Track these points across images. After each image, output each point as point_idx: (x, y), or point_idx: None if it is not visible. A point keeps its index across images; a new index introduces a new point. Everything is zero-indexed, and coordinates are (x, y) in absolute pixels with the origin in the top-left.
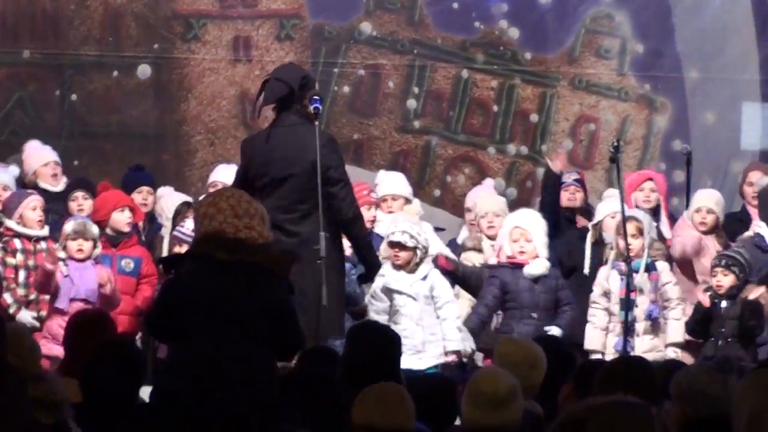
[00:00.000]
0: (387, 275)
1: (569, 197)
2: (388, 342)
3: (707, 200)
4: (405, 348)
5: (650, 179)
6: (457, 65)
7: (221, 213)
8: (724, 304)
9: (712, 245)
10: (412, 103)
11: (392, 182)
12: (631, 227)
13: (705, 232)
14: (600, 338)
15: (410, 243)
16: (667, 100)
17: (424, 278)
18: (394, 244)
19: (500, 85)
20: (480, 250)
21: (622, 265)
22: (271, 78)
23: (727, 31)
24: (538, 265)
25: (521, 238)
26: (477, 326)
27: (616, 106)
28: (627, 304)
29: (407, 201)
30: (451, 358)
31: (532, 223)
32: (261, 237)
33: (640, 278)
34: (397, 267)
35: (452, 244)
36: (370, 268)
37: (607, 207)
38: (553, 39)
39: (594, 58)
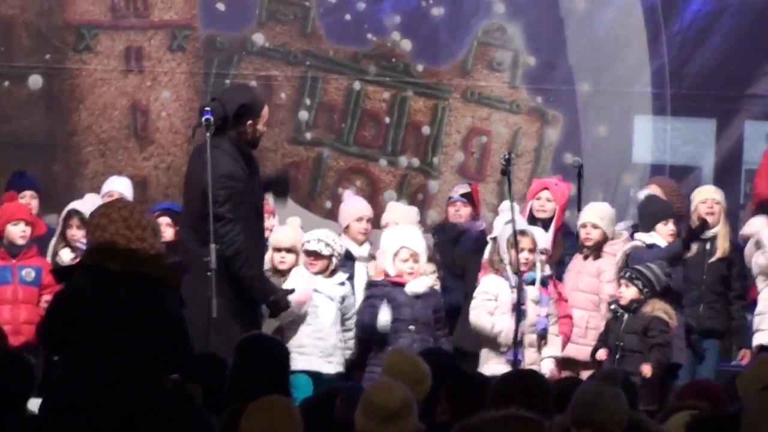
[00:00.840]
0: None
1: (454, 213)
2: (277, 354)
3: (592, 215)
4: (316, 350)
5: (546, 188)
6: (349, 77)
7: (113, 224)
8: (624, 317)
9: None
10: (303, 115)
11: None
12: (527, 241)
13: (589, 247)
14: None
15: (326, 251)
16: (558, 113)
17: (341, 284)
18: (309, 253)
19: (392, 97)
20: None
21: (512, 278)
22: (216, 96)
23: (619, 44)
24: (420, 284)
25: (410, 259)
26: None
27: (508, 119)
28: (518, 316)
29: None
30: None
31: (419, 243)
32: (153, 248)
33: (533, 292)
34: (315, 273)
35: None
36: (267, 305)
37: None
38: (445, 51)
39: (486, 71)
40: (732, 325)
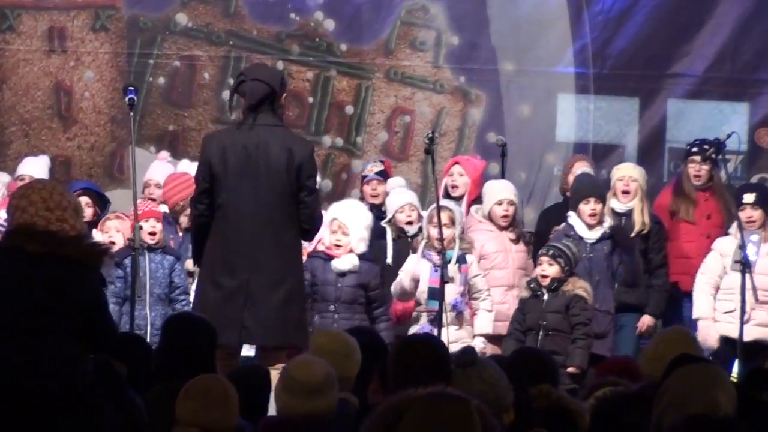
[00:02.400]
0: None
1: (371, 192)
2: (204, 333)
3: (508, 192)
4: None
5: (457, 163)
6: (272, 57)
7: (33, 206)
8: (545, 296)
9: (505, 238)
10: (227, 95)
11: None
12: (443, 216)
13: (504, 226)
14: None
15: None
16: (482, 93)
17: None
18: None
19: (316, 76)
20: None
21: (434, 255)
22: (249, 79)
23: (542, 24)
24: (347, 261)
25: (339, 230)
26: None
27: (432, 98)
28: (442, 295)
29: None
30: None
31: (353, 217)
32: (73, 229)
33: (452, 269)
34: None
35: None
36: None
37: (396, 200)
38: (368, 31)
39: (409, 50)
40: (648, 294)
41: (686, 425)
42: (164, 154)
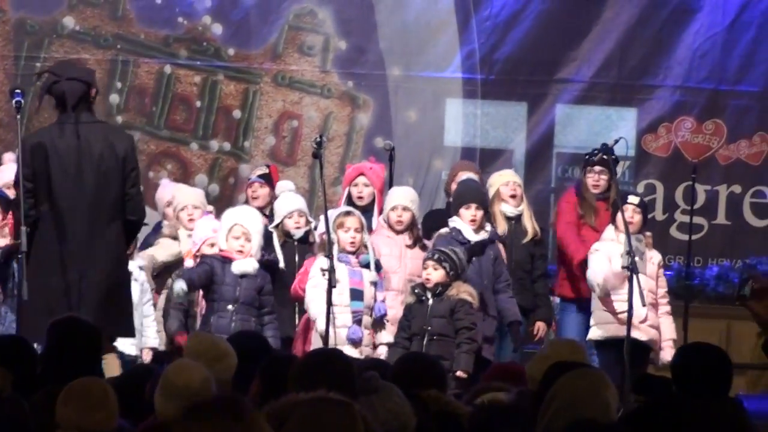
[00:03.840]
0: None
1: (252, 194)
2: (89, 336)
3: (402, 198)
4: None
5: (362, 174)
6: (160, 61)
7: None
8: (430, 301)
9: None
10: (114, 98)
11: None
12: (354, 221)
13: (401, 231)
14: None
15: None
16: (369, 98)
17: (141, 268)
18: None
19: (203, 80)
20: (176, 238)
21: (351, 258)
22: (63, 78)
23: (430, 29)
24: (248, 264)
25: (242, 236)
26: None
27: (319, 103)
28: (329, 296)
29: None
30: (149, 354)
31: (254, 224)
32: None
33: (371, 275)
34: None
35: (152, 238)
36: None
37: (284, 206)
38: (256, 35)
39: (297, 55)
40: (536, 301)
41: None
42: (10, 156)
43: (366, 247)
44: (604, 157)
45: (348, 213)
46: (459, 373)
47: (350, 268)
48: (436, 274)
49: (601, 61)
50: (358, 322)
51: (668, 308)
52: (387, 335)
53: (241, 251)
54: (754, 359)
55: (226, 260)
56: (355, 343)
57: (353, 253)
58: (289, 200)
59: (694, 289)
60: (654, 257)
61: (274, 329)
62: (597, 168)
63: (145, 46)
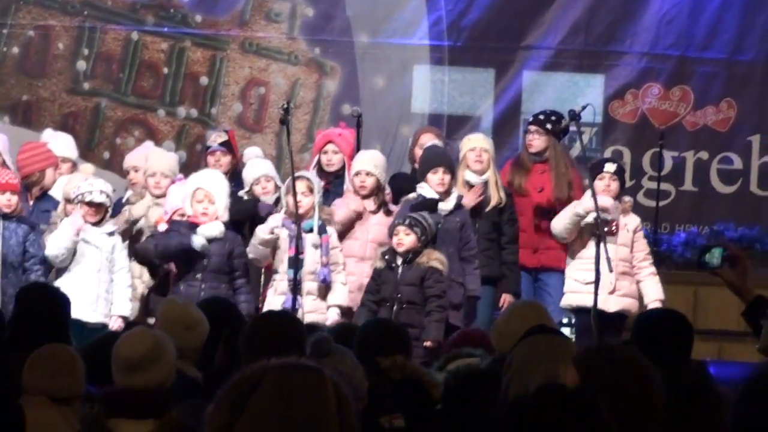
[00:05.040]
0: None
1: (215, 163)
2: (57, 303)
3: (365, 163)
4: (80, 298)
5: (331, 141)
6: (127, 27)
7: None
8: (400, 268)
9: (367, 215)
10: (81, 65)
11: (61, 145)
12: (301, 185)
13: (365, 196)
14: None
15: (107, 202)
16: (336, 64)
17: (111, 234)
18: (92, 204)
19: (170, 47)
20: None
21: (293, 225)
22: None
23: None
24: (213, 227)
25: (205, 199)
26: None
27: (286, 70)
28: (296, 264)
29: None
30: (118, 322)
31: (217, 186)
32: None
33: (313, 238)
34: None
35: (119, 205)
36: None
37: (253, 171)
38: (223, 2)
39: (264, 22)
40: (502, 270)
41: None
42: None
43: (314, 210)
44: (540, 117)
45: (297, 178)
46: (428, 343)
47: (291, 233)
48: (407, 239)
49: (568, 27)
50: (292, 290)
51: (652, 269)
52: (338, 297)
53: (205, 213)
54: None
55: (193, 226)
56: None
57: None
58: (256, 166)
59: (662, 255)
60: (629, 223)
61: (247, 293)
62: (532, 128)
63: (112, 12)
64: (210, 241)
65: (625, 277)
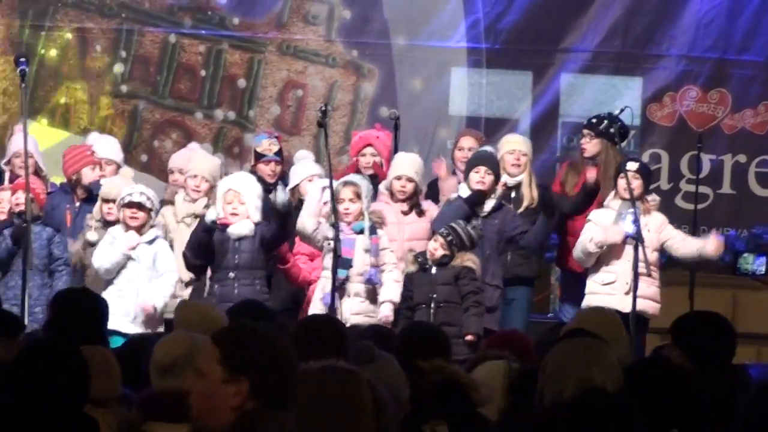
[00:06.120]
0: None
1: (271, 172)
2: (95, 308)
3: (408, 168)
4: (118, 309)
5: (370, 144)
6: (165, 30)
7: None
8: (433, 270)
9: (401, 216)
10: (119, 68)
11: (106, 147)
12: (349, 192)
13: (403, 200)
14: None
15: (148, 204)
16: (374, 67)
17: (151, 242)
18: (132, 205)
19: (208, 49)
20: (172, 203)
21: (345, 228)
22: None
23: None
24: (243, 226)
25: (235, 200)
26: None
27: (324, 72)
28: (335, 263)
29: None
30: (147, 309)
31: (246, 186)
32: None
33: (364, 242)
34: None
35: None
36: None
37: (302, 170)
38: (261, 4)
39: (302, 24)
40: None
41: (571, 402)
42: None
43: (363, 214)
44: (606, 131)
45: (345, 184)
46: (469, 337)
47: (343, 236)
48: (440, 253)
49: (606, 30)
50: (339, 289)
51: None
52: (391, 293)
53: (235, 213)
54: (760, 329)
55: (224, 227)
56: (325, 307)
57: (348, 223)
58: (306, 166)
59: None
60: (651, 224)
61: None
62: (585, 131)
63: (149, 15)
64: (240, 239)
65: (643, 279)
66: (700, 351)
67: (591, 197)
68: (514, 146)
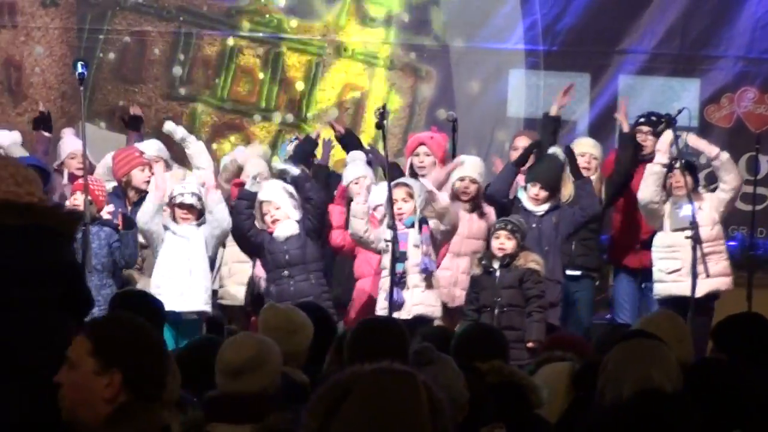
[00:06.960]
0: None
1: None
2: (151, 306)
3: (472, 170)
4: (170, 289)
5: (423, 143)
6: (223, 33)
7: (3, 181)
8: (498, 272)
9: (464, 213)
10: (177, 70)
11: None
12: (401, 192)
13: (467, 201)
14: None
15: (198, 206)
16: (432, 69)
17: (198, 225)
18: (184, 206)
19: (266, 53)
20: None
21: (399, 225)
22: None
23: (492, 1)
24: (287, 226)
25: (270, 209)
26: None
27: (382, 75)
28: (394, 257)
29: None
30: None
31: (273, 192)
32: (41, 201)
33: (414, 237)
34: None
35: None
36: None
37: (351, 172)
38: (319, 7)
39: (360, 27)
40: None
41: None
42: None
43: (415, 214)
44: (652, 118)
45: (397, 185)
46: (531, 344)
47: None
48: (509, 244)
49: (664, 31)
50: (401, 284)
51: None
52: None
53: (276, 220)
54: None
55: (271, 234)
56: (399, 306)
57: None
58: (357, 168)
59: (759, 259)
60: (704, 205)
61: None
62: (644, 128)
63: (207, 18)
64: (287, 239)
65: (710, 258)
66: (742, 352)
67: (634, 145)
68: (585, 149)
